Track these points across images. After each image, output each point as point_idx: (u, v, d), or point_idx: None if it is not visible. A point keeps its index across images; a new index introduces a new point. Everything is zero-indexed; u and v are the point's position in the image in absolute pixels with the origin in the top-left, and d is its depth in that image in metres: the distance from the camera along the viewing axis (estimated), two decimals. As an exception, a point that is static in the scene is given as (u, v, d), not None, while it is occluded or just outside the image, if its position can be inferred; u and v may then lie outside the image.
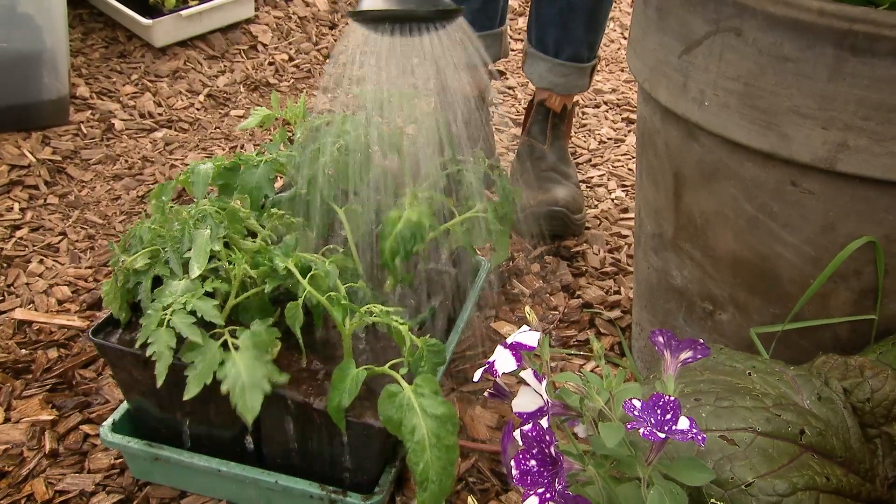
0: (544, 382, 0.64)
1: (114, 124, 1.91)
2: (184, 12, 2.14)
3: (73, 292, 1.35)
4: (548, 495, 0.59)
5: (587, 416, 0.65)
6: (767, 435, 0.70)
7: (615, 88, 2.40)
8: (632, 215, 1.70)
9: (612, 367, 1.24)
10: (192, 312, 0.87)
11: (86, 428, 1.08)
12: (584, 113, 2.21)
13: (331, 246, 1.00)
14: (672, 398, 0.59)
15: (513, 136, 2.00)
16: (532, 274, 1.47)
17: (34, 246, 1.46)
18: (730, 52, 0.83)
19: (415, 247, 1.00)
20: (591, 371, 1.21)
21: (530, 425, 0.61)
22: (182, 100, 2.03)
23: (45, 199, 1.61)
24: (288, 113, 1.15)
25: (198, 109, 2.01)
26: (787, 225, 0.87)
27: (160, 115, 1.96)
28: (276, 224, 1.04)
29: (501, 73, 1.80)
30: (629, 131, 2.11)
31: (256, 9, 2.40)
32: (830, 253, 0.86)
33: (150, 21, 2.10)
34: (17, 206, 1.57)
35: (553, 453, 0.60)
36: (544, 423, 0.63)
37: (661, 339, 0.66)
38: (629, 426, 0.59)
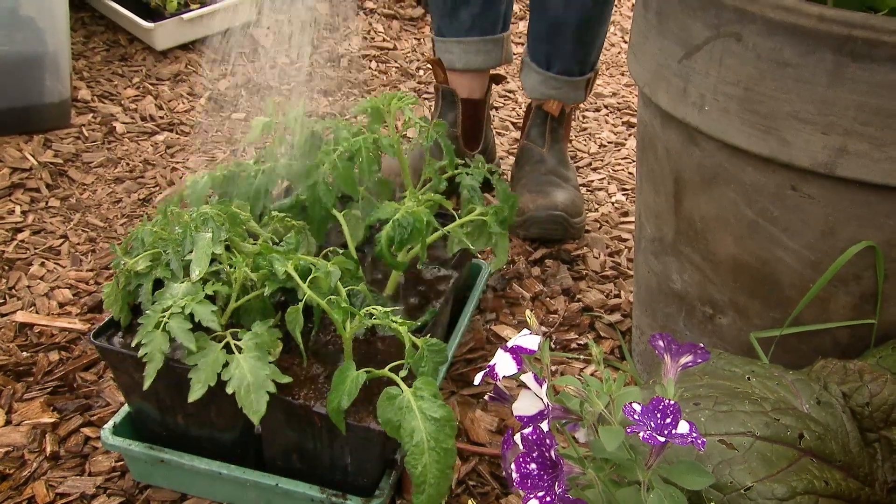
0: (545, 386, 0.64)
1: (115, 127, 1.91)
2: (185, 16, 2.15)
3: (74, 295, 1.35)
4: (548, 499, 0.60)
5: (587, 420, 0.65)
6: (766, 439, 0.70)
7: (615, 92, 2.40)
8: (632, 219, 1.70)
9: (613, 370, 1.24)
10: (191, 316, 0.87)
11: (87, 431, 1.09)
12: (584, 116, 2.21)
13: (331, 248, 1.00)
14: (672, 402, 0.59)
15: (513, 140, 2.00)
16: (532, 277, 1.47)
17: (35, 249, 1.46)
18: (730, 57, 0.83)
19: (412, 239, 1.00)
20: (591, 375, 1.22)
21: (531, 429, 0.62)
22: (183, 103, 2.03)
23: (47, 202, 1.61)
24: (288, 119, 1.15)
25: (199, 112, 2.02)
26: (787, 229, 0.88)
27: (161, 118, 1.96)
28: (276, 227, 1.04)
29: (502, 78, 1.80)
30: (629, 135, 2.12)
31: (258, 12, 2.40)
32: (830, 257, 0.86)
33: (151, 24, 2.11)
34: (18, 209, 1.58)
35: (553, 457, 0.60)
36: (545, 426, 0.63)
37: (661, 342, 0.67)
38: (629, 430, 0.59)
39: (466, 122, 1.70)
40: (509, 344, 0.67)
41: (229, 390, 0.85)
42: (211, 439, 0.96)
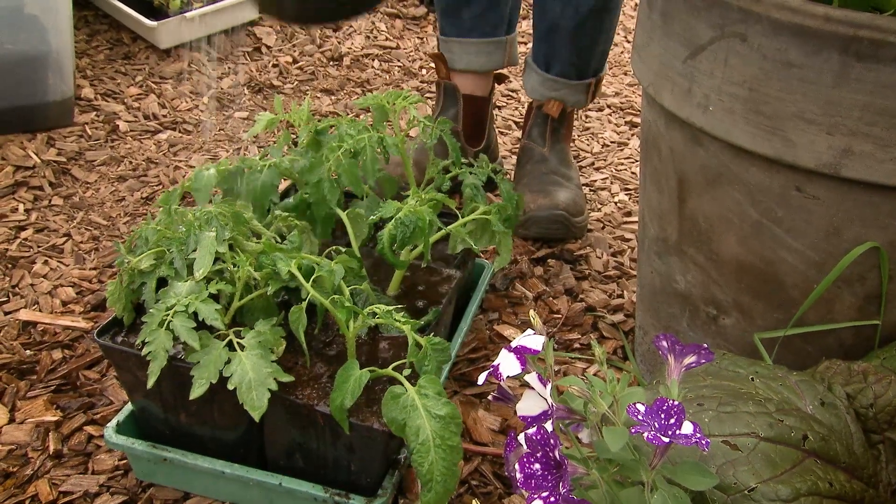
0: (549, 386, 0.64)
1: (118, 126, 1.91)
2: (188, 14, 2.15)
3: (77, 293, 1.35)
4: (552, 499, 0.60)
5: (591, 421, 0.65)
6: (770, 440, 0.70)
7: (618, 92, 2.40)
8: (635, 219, 1.70)
9: (616, 371, 1.24)
10: (195, 315, 0.87)
11: (90, 429, 1.09)
12: (587, 116, 2.21)
13: (334, 247, 1.00)
14: (676, 403, 0.59)
15: (516, 140, 2.00)
16: (535, 277, 1.47)
17: (39, 247, 1.47)
18: (735, 57, 0.83)
19: (414, 239, 0.99)
20: (594, 375, 1.22)
21: (535, 429, 0.61)
22: (186, 101, 2.03)
23: (50, 201, 1.62)
24: (292, 116, 1.15)
25: (202, 111, 2.02)
26: (791, 230, 0.87)
27: (164, 116, 1.96)
28: (280, 226, 1.04)
29: (505, 77, 1.80)
30: (632, 135, 2.12)
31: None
32: (834, 258, 0.86)
33: (154, 23, 2.11)
34: (21, 207, 1.58)
35: (557, 457, 0.60)
36: (549, 426, 0.63)
37: (665, 343, 0.66)
38: (633, 430, 0.59)
39: (468, 118, 1.70)
40: (513, 344, 0.67)
41: (230, 386, 0.85)
42: (214, 438, 0.96)
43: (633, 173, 1.91)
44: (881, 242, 0.84)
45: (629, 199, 1.79)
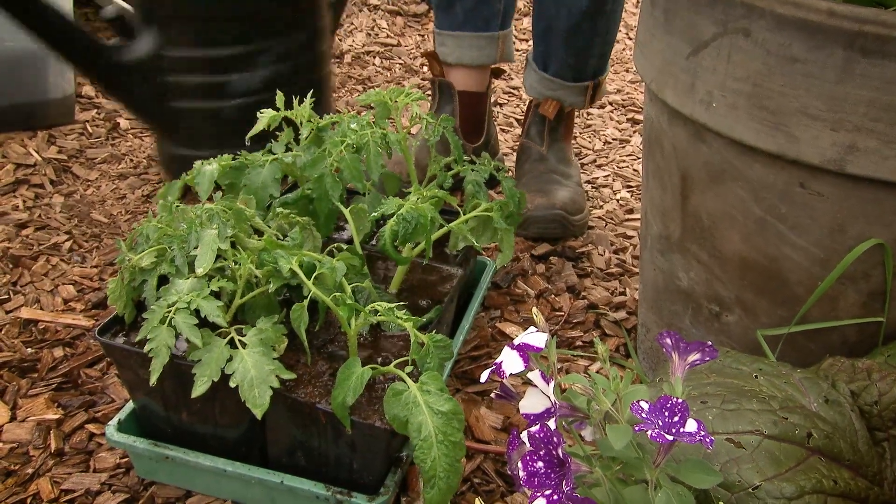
0: (552, 384, 0.64)
1: (119, 123, 1.91)
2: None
3: (78, 291, 1.35)
4: (555, 497, 0.59)
5: (594, 418, 0.65)
6: (774, 438, 0.70)
7: (620, 89, 2.39)
8: (637, 216, 1.70)
9: (619, 368, 1.23)
10: (196, 312, 0.87)
11: (91, 427, 1.08)
12: (589, 114, 2.21)
13: (336, 244, 1.00)
14: (680, 400, 0.59)
15: (517, 137, 2.00)
16: (537, 275, 1.46)
17: (40, 245, 1.46)
18: (738, 53, 0.83)
19: (416, 235, 0.99)
20: (597, 372, 1.21)
21: (538, 427, 0.61)
22: (187, 99, 2.03)
23: (51, 198, 1.61)
24: (294, 113, 1.14)
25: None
26: (795, 227, 0.87)
27: (165, 114, 1.96)
28: (281, 223, 1.04)
29: (502, 71, 1.80)
30: (634, 132, 2.11)
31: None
32: (839, 255, 0.85)
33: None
34: (22, 205, 1.57)
35: (560, 455, 0.60)
36: (552, 424, 0.62)
37: (668, 341, 0.66)
38: (637, 428, 0.59)
39: (465, 114, 1.70)
40: (516, 341, 0.66)
41: (232, 384, 0.85)
42: (215, 436, 0.96)
43: (635, 170, 1.90)
44: (886, 239, 0.83)
45: (631, 196, 1.79)
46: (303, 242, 0.99)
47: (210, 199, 1.03)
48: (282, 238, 1.00)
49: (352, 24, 2.69)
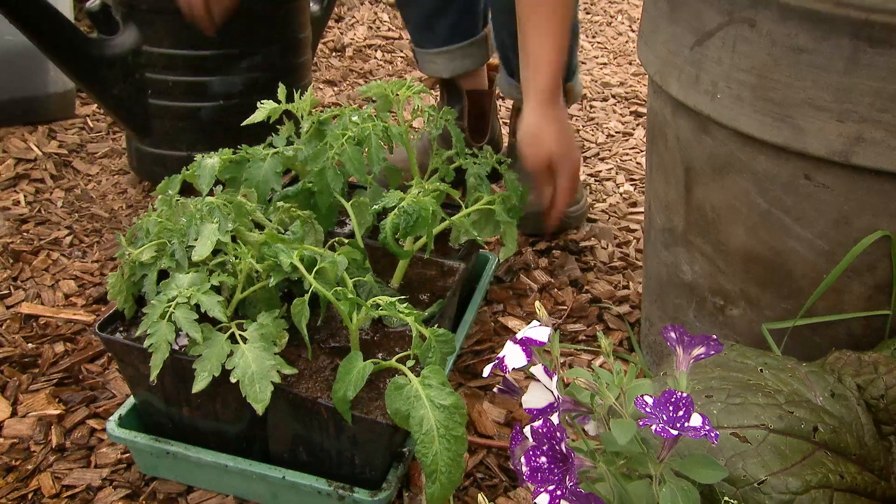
0: (555, 378, 0.63)
1: (120, 118, 1.90)
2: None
3: (79, 286, 1.35)
4: (558, 492, 0.59)
5: (598, 413, 0.64)
6: (780, 432, 0.69)
7: (623, 81, 2.38)
8: (640, 209, 1.69)
9: (622, 362, 1.23)
10: (196, 307, 0.86)
11: (92, 422, 1.08)
12: (591, 107, 2.20)
13: (337, 238, 0.99)
14: (684, 395, 0.58)
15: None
16: (540, 268, 1.46)
17: (40, 240, 1.46)
18: (743, 43, 0.82)
19: (417, 229, 0.98)
20: (600, 366, 1.21)
21: (541, 422, 0.61)
22: (188, 93, 2.02)
23: (52, 193, 1.61)
24: (295, 106, 1.14)
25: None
26: (800, 219, 0.86)
27: (166, 108, 1.95)
28: (283, 217, 1.03)
29: (497, 65, 1.78)
30: (637, 125, 2.10)
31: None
32: (844, 247, 0.85)
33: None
34: (23, 200, 1.57)
35: (564, 450, 0.59)
36: (555, 419, 0.62)
37: (673, 334, 0.65)
38: (641, 423, 0.58)
39: (471, 113, 1.68)
40: (519, 335, 0.66)
41: (233, 379, 0.84)
42: (217, 432, 0.95)
43: (638, 163, 1.89)
44: (892, 231, 0.82)
45: (634, 189, 1.78)
46: (304, 236, 0.98)
47: (211, 193, 1.02)
48: (283, 232, 0.99)
49: (353, 17, 2.68)
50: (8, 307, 1.28)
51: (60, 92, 1.85)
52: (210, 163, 1.06)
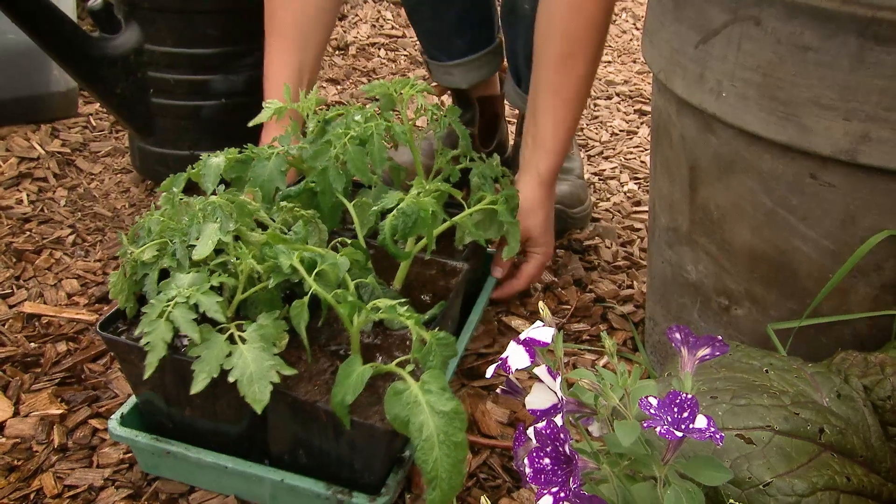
0: (559, 379, 0.63)
1: (123, 117, 1.90)
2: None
3: (81, 286, 1.35)
4: (562, 494, 0.58)
5: (602, 414, 0.64)
6: (786, 434, 0.69)
7: (627, 80, 2.38)
8: (645, 208, 1.68)
9: (628, 363, 1.22)
10: (196, 307, 0.86)
11: (94, 422, 1.08)
12: (596, 105, 2.19)
13: (340, 239, 0.98)
14: (689, 396, 0.58)
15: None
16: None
17: (43, 239, 1.46)
18: (748, 41, 0.81)
19: (416, 230, 0.97)
20: (604, 366, 1.20)
21: (544, 423, 0.60)
22: (191, 92, 2.02)
23: (54, 192, 1.61)
24: (300, 105, 1.13)
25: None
26: (805, 218, 0.85)
27: (169, 107, 1.95)
28: (286, 217, 1.03)
29: (504, 68, 1.77)
30: (642, 123, 2.10)
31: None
32: (850, 247, 0.84)
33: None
34: (26, 199, 1.57)
35: (567, 451, 0.59)
36: (558, 420, 0.61)
37: (678, 335, 0.65)
38: (645, 424, 0.57)
39: (483, 117, 1.67)
40: (522, 336, 0.65)
41: (231, 379, 0.83)
42: (217, 432, 0.95)
43: (642, 162, 1.89)
44: (899, 231, 0.82)
45: (639, 188, 1.77)
46: (308, 237, 0.98)
47: (215, 192, 1.02)
48: (286, 232, 0.99)
49: (356, 15, 2.67)
50: (10, 306, 1.28)
51: (63, 91, 1.85)
52: (215, 162, 1.05)
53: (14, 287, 1.33)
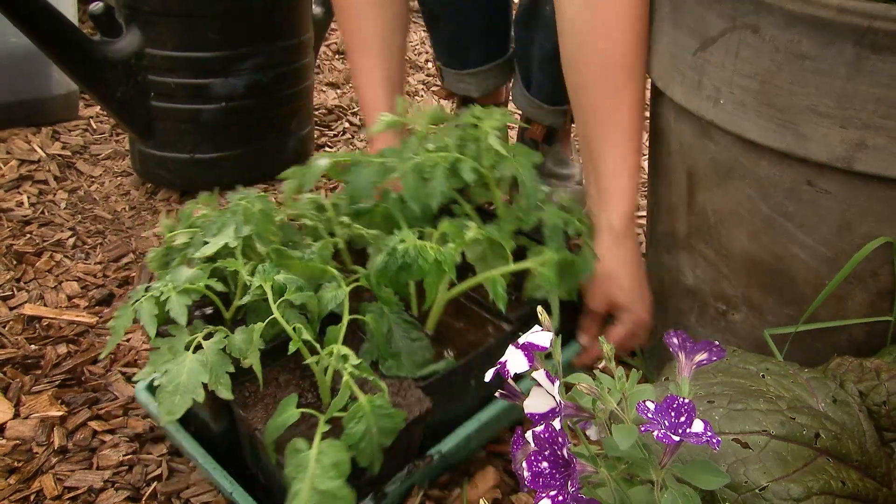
0: (557, 383, 0.63)
1: (123, 120, 1.91)
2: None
3: (82, 288, 1.35)
4: (560, 497, 0.59)
5: (600, 418, 0.64)
6: (782, 438, 0.69)
7: (626, 86, 2.38)
8: (643, 214, 1.68)
9: (626, 367, 1.23)
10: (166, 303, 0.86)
11: (94, 424, 1.08)
12: (594, 110, 2.19)
13: (365, 274, 0.96)
14: (686, 400, 0.58)
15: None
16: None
17: (44, 241, 1.46)
18: (746, 49, 0.82)
19: (409, 276, 0.89)
20: (602, 371, 1.20)
21: (542, 427, 0.61)
22: (192, 95, 2.03)
23: (55, 195, 1.61)
24: (413, 119, 1.10)
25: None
26: (802, 225, 0.86)
27: (170, 110, 1.95)
28: (346, 232, 1.02)
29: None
30: (640, 129, 2.10)
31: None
32: (847, 254, 0.85)
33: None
34: (26, 201, 1.57)
35: (565, 455, 0.59)
36: (557, 424, 0.62)
37: (675, 340, 0.65)
38: (643, 428, 0.58)
39: None
40: (521, 340, 0.66)
41: (155, 383, 0.82)
42: (206, 423, 0.94)
43: (640, 167, 1.89)
44: (894, 238, 0.82)
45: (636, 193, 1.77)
46: (329, 257, 0.96)
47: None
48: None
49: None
50: (11, 308, 1.29)
51: (64, 94, 1.86)
52: (322, 163, 1.06)
53: (14, 289, 1.33)
